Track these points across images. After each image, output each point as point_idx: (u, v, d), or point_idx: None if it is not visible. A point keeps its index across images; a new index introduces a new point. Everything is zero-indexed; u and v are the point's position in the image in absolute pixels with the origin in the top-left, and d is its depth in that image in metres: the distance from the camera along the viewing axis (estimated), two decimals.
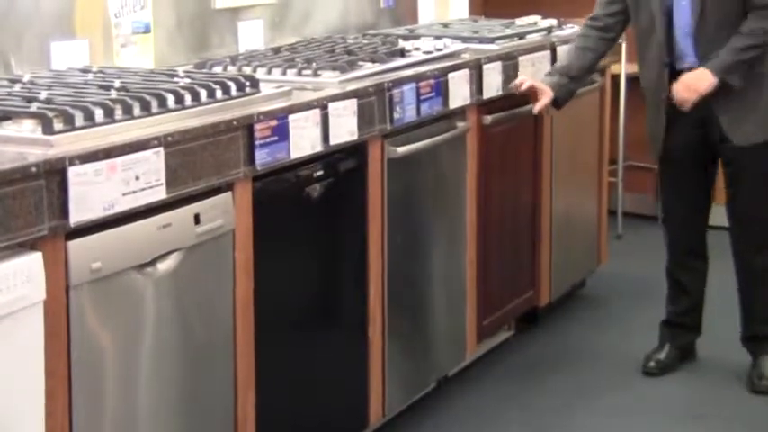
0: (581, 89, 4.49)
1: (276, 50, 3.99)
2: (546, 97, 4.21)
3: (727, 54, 3.99)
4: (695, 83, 4.02)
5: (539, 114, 4.37)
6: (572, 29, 4.88)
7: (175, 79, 3.22)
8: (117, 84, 3.07)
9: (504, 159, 4.35)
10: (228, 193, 3.00)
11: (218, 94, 3.10)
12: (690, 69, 4.07)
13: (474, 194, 4.16)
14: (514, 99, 4.33)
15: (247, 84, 3.21)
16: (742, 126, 4.07)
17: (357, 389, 3.60)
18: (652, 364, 4.37)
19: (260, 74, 3.54)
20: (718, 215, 4.43)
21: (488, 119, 4.18)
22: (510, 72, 4.27)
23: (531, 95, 4.24)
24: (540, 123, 4.58)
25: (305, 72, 3.59)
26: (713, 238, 4.38)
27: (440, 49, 4.11)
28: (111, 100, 2.83)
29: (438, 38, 4.30)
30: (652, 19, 4.10)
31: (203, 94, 3.06)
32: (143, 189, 2.70)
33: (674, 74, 4.11)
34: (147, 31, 3.73)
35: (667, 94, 4.09)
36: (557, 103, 4.29)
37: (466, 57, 4.13)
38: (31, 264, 2.45)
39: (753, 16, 3.99)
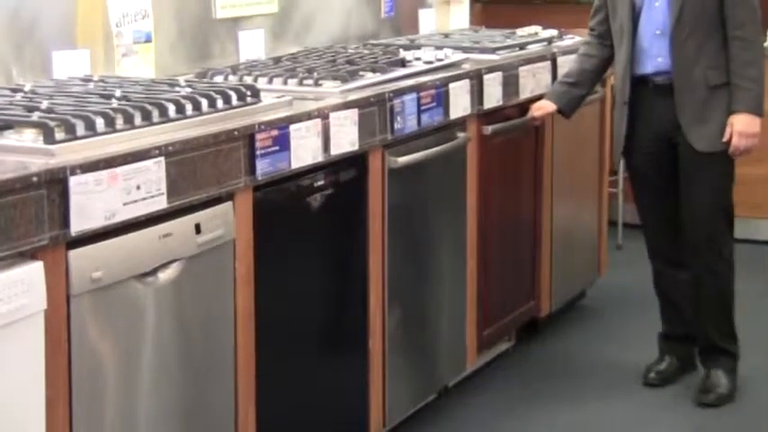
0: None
1: (277, 60, 3.99)
2: (543, 110, 4.33)
3: (749, 85, 3.98)
4: (747, 128, 3.99)
5: (538, 124, 4.42)
6: (572, 39, 4.88)
7: (176, 89, 3.22)
8: (118, 93, 3.07)
9: (504, 170, 4.35)
10: (229, 203, 2.99)
11: (219, 103, 3.10)
12: (657, 74, 4.07)
13: (474, 205, 4.16)
14: (515, 110, 4.34)
15: (248, 93, 3.21)
16: (701, 132, 4.04)
17: (358, 400, 3.60)
18: (653, 375, 4.36)
19: (261, 83, 3.54)
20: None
21: (489, 129, 4.18)
22: (511, 82, 4.28)
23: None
24: (541, 134, 4.58)
25: (306, 82, 3.59)
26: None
27: (440, 60, 4.11)
28: (112, 109, 2.83)
29: (439, 48, 4.30)
30: (622, 24, 4.14)
31: (204, 103, 3.06)
32: (144, 198, 2.70)
33: (637, 79, 4.12)
34: (148, 40, 3.72)
35: (629, 96, 4.11)
36: (562, 111, 4.34)
37: (467, 67, 4.13)
38: (32, 273, 2.44)
39: (736, 47, 3.99)
